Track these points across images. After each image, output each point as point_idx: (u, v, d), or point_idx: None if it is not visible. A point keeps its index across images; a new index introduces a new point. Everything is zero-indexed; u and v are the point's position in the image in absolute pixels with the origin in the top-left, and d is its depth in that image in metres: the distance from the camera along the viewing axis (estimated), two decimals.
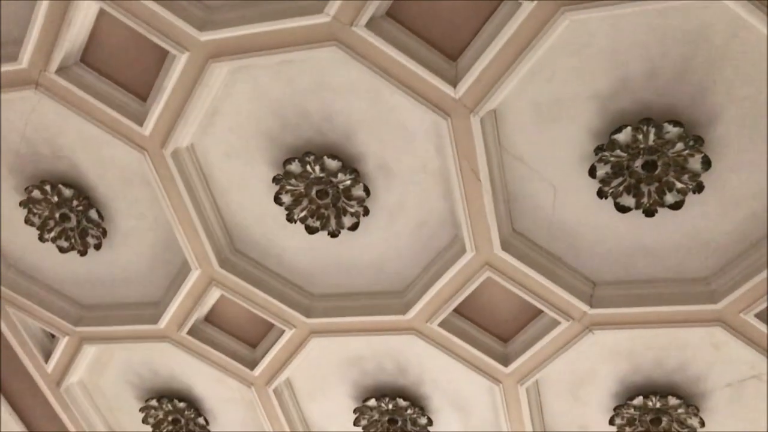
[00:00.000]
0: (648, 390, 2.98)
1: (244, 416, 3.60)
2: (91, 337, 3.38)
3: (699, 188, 2.36)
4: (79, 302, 3.31)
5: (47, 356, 3.56)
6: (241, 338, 3.30)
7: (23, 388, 3.70)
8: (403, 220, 2.72)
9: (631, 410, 3.02)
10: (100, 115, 2.60)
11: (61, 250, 3.04)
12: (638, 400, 2.98)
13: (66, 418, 3.80)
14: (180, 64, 2.39)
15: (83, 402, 3.75)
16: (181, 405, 3.59)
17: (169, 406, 3.60)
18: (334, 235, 2.75)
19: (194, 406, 3.61)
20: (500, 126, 2.39)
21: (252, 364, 3.29)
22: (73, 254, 3.09)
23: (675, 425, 3.00)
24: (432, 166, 2.54)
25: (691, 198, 2.41)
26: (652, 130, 2.26)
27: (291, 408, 3.47)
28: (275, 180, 2.64)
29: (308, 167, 2.57)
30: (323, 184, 2.62)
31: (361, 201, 2.66)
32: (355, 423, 3.39)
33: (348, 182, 2.60)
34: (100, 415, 3.84)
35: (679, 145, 2.28)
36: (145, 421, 3.69)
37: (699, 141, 2.26)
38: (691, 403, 2.96)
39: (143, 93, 2.57)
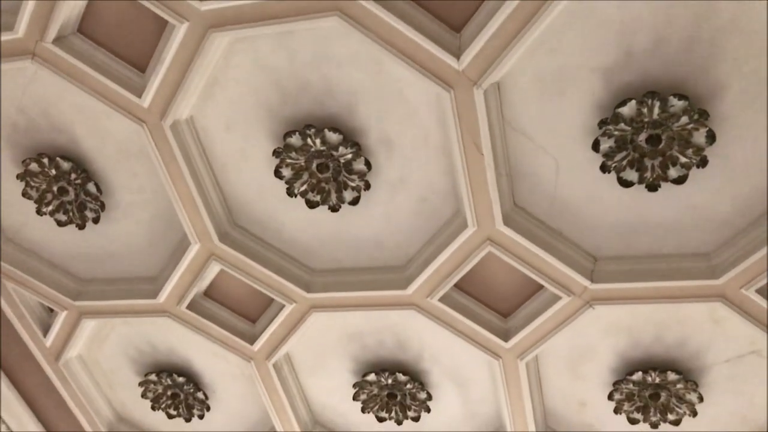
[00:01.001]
0: (647, 365, 2.98)
1: (244, 391, 3.61)
2: (90, 312, 3.36)
3: (703, 163, 2.35)
4: (78, 276, 3.30)
5: (46, 330, 3.55)
6: (240, 313, 3.29)
7: (22, 362, 3.70)
8: (404, 194, 2.70)
9: (630, 385, 3.03)
10: (98, 87, 2.57)
11: (60, 223, 3.02)
12: (637, 376, 2.99)
13: (65, 393, 3.80)
14: (179, 34, 2.36)
15: (82, 376, 3.75)
16: (181, 379, 3.60)
17: (169, 380, 3.60)
18: (334, 209, 2.73)
19: (193, 380, 3.62)
20: (503, 99, 2.37)
21: (252, 339, 3.28)
22: (72, 228, 3.08)
23: (674, 400, 3.01)
24: (434, 140, 2.52)
25: (694, 172, 2.40)
26: (657, 104, 2.24)
27: (290, 382, 3.47)
28: (275, 153, 2.62)
29: (309, 140, 2.55)
30: (324, 158, 2.60)
31: (362, 175, 2.64)
32: (355, 397, 3.40)
33: (349, 156, 2.58)
34: (99, 389, 3.84)
35: (684, 119, 2.26)
36: (144, 395, 3.69)
37: (704, 115, 2.24)
38: (690, 378, 2.97)
39: (142, 64, 2.53)
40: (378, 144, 2.57)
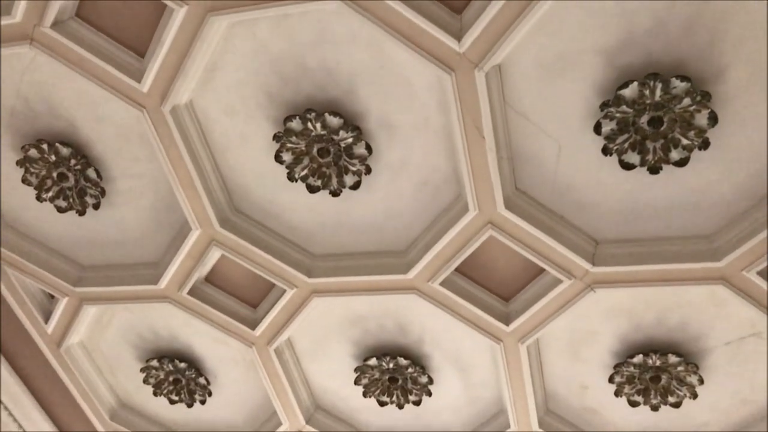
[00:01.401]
0: (648, 348, 2.99)
1: (245, 376, 3.62)
2: (91, 298, 3.36)
3: (705, 145, 2.34)
4: (79, 263, 3.30)
5: (47, 317, 3.55)
6: (242, 298, 3.29)
7: (23, 348, 3.70)
8: (405, 178, 2.69)
9: (631, 368, 3.04)
10: (97, 72, 2.56)
11: (60, 209, 3.01)
12: (638, 358, 3.00)
13: (67, 379, 3.81)
14: (178, 17, 2.34)
15: (84, 363, 3.76)
16: (182, 365, 3.60)
17: (170, 366, 3.61)
18: (335, 194, 2.73)
19: (195, 366, 3.62)
20: (505, 81, 2.36)
21: (253, 324, 3.29)
22: (72, 214, 3.07)
23: (674, 383, 3.02)
24: (435, 123, 2.51)
25: (696, 155, 2.40)
26: (659, 85, 2.23)
27: (292, 367, 3.48)
28: (276, 138, 2.61)
29: (309, 124, 2.54)
30: (324, 142, 2.59)
31: (362, 159, 2.63)
32: (356, 382, 3.41)
33: (350, 140, 2.57)
34: (100, 375, 3.85)
35: (686, 101, 2.25)
36: (146, 381, 3.70)
37: (706, 96, 2.24)
38: (690, 360, 2.98)
39: (141, 48, 2.52)
40: (379, 128, 2.56)
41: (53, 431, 3.99)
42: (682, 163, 2.39)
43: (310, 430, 3.69)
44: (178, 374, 3.64)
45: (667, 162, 2.40)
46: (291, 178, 2.70)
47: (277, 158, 2.66)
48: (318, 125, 2.54)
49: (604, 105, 2.31)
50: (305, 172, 2.68)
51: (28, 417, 3.86)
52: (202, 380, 3.65)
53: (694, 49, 2.19)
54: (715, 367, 3.01)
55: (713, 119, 2.28)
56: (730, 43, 2.16)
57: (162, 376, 3.67)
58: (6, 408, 3.73)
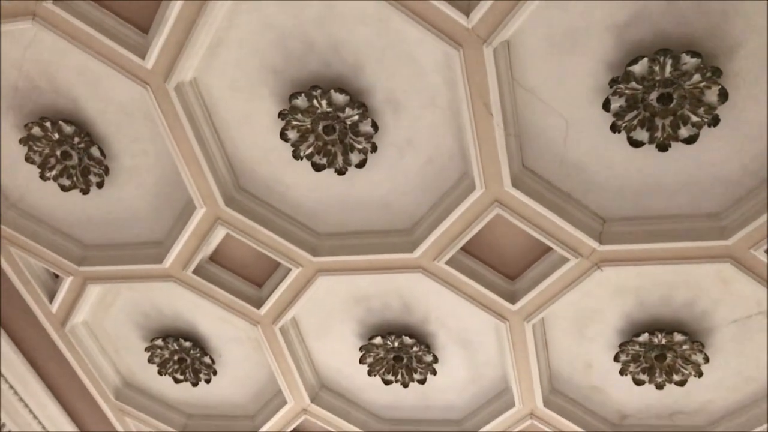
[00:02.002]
0: (654, 327, 2.99)
1: (250, 355, 3.62)
2: (95, 277, 3.36)
3: (715, 121, 2.32)
4: (83, 242, 3.28)
5: (51, 296, 3.54)
6: (246, 277, 3.28)
7: (28, 328, 3.70)
8: (411, 156, 2.68)
9: (636, 347, 3.04)
10: (100, 48, 2.52)
11: (63, 188, 2.99)
12: (644, 337, 3.00)
13: (71, 358, 3.81)
14: None
15: (88, 342, 3.76)
16: (187, 344, 3.60)
17: (175, 345, 3.61)
18: (341, 172, 2.71)
19: (200, 345, 3.62)
20: (513, 58, 2.33)
21: (258, 303, 3.28)
22: (76, 193, 3.05)
23: (679, 361, 3.03)
24: (442, 100, 2.49)
25: (705, 132, 2.38)
26: (669, 61, 2.21)
27: (297, 346, 3.48)
28: (281, 115, 2.58)
29: (315, 101, 2.51)
30: (330, 120, 2.57)
31: (368, 137, 2.61)
32: (361, 361, 3.41)
33: (355, 117, 2.55)
34: (105, 354, 3.85)
35: (696, 77, 2.23)
36: (150, 360, 3.70)
37: (717, 72, 2.21)
38: (696, 339, 2.98)
39: (144, 25, 2.48)
40: (385, 105, 2.54)
41: (59, 410, 4.00)
42: (691, 140, 2.38)
43: (315, 408, 3.70)
44: (183, 353, 3.64)
45: (676, 139, 2.38)
46: (296, 156, 2.68)
47: (283, 136, 2.64)
48: (324, 102, 2.51)
49: (613, 81, 2.29)
50: (311, 150, 2.66)
51: (33, 396, 3.88)
52: (207, 359, 3.65)
53: (706, 25, 2.16)
54: (720, 345, 3.01)
55: (723, 96, 2.26)
56: (741, 18, 2.13)
57: (167, 355, 3.67)
58: (12, 387, 3.74)
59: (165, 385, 3.94)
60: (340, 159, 2.68)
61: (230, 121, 2.70)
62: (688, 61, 2.20)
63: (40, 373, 3.90)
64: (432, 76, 2.42)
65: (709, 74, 2.21)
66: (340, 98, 2.50)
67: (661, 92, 2.28)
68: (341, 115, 2.55)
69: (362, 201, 2.86)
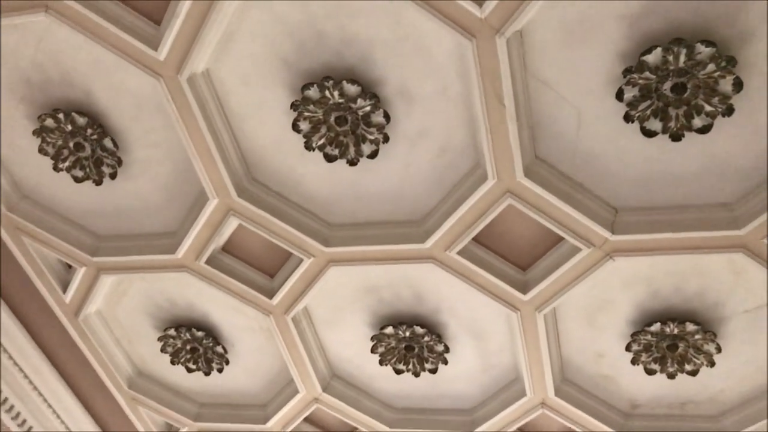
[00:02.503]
0: (666, 316, 2.99)
1: (262, 344, 3.64)
2: (108, 268, 3.38)
3: (729, 111, 2.31)
4: (96, 232, 3.30)
5: (65, 287, 3.57)
6: (259, 268, 3.30)
7: (42, 318, 3.73)
8: (423, 147, 2.68)
9: (648, 336, 3.04)
10: (113, 40, 2.53)
11: (76, 179, 3.01)
12: (655, 327, 3.00)
13: (85, 348, 3.84)
14: None
15: (101, 331, 3.79)
16: (200, 334, 3.63)
17: (188, 335, 3.64)
18: (353, 163, 2.71)
19: (212, 334, 3.65)
20: (526, 48, 2.32)
21: (270, 293, 3.30)
22: (89, 184, 3.07)
23: (691, 351, 3.03)
24: (454, 91, 2.48)
25: (719, 121, 2.37)
26: (683, 51, 2.20)
27: (309, 336, 3.50)
28: (293, 106, 2.59)
29: (327, 92, 2.51)
30: (342, 111, 2.57)
31: (380, 128, 2.61)
32: (372, 350, 3.43)
33: (367, 108, 2.55)
34: (118, 344, 3.88)
35: (711, 66, 2.22)
36: (163, 350, 3.73)
37: (732, 62, 2.20)
38: (708, 329, 2.98)
39: (157, 16, 2.49)
40: (397, 96, 2.54)
41: (72, 399, 4.03)
42: (704, 130, 2.36)
43: (327, 397, 3.72)
44: (196, 343, 3.66)
45: (690, 129, 2.37)
46: (308, 147, 2.69)
47: (295, 127, 2.65)
48: (336, 93, 2.51)
49: (626, 71, 2.28)
50: (322, 141, 2.67)
51: (47, 384, 3.91)
52: (219, 349, 3.68)
53: (720, 13, 2.15)
54: (732, 335, 3.01)
55: (738, 85, 2.25)
56: (757, 6, 2.11)
57: (179, 345, 3.69)
58: (27, 376, 3.78)
59: (178, 375, 3.97)
60: (352, 150, 2.68)
61: (242, 113, 2.71)
62: (703, 51, 2.19)
63: (53, 363, 3.93)
64: (445, 67, 2.42)
65: (723, 63, 2.20)
66: (352, 89, 2.50)
67: (675, 82, 2.27)
68: (353, 106, 2.55)
69: (374, 192, 2.86)
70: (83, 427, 4.13)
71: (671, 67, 2.24)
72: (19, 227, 3.30)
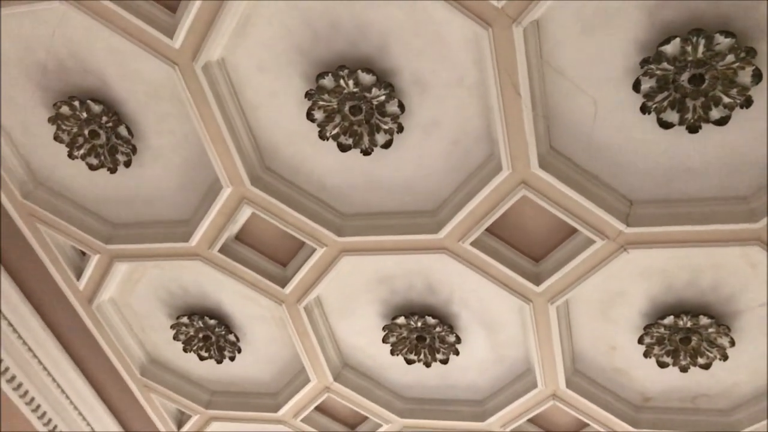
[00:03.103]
0: (679, 309, 2.97)
1: (274, 333, 3.66)
2: (122, 255, 3.39)
3: (747, 103, 2.29)
4: (110, 220, 3.32)
5: (79, 274, 3.59)
6: (272, 256, 3.31)
7: (56, 305, 3.76)
8: (437, 137, 2.67)
9: (661, 329, 3.03)
10: (128, 28, 2.53)
11: (91, 167, 3.02)
12: (669, 320, 2.99)
13: (98, 335, 3.87)
14: None
15: (115, 319, 3.81)
16: (212, 322, 3.64)
17: (200, 323, 3.65)
18: (366, 152, 2.71)
19: (225, 323, 3.66)
20: (542, 37, 2.31)
21: (283, 282, 3.31)
22: (103, 171, 3.08)
23: (705, 344, 3.01)
24: (470, 81, 2.47)
25: (737, 113, 2.34)
26: (702, 42, 2.18)
27: (321, 325, 3.50)
28: (308, 95, 2.58)
29: (342, 81, 2.51)
30: (357, 100, 2.56)
31: (395, 117, 2.60)
32: (384, 340, 3.43)
33: (382, 98, 2.54)
34: (131, 331, 3.91)
35: (730, 57, 2.19)
36: (176, 338, 3.75)
37: (751, 53, 2.18)
38: (722, 322, 2.96)
39: (172, 4, 2.49)
40: (411, 85, 2.53)
41: (86, 386, 4.07)
42: (722, 122, 2.34)
43: (338, 386, 3.74)
44: (208, 331, 3.68)
45: (707, 121, 2.35)
46: (322, 136, 2.68)
47: (309, 116, 2.64)
48: (350, 82, 2.51)
49: (644, 62, 2.26)
50: (337, 130, 2.66)
51: (61, 371, 3.94)
52: (231, 337, 3.69)
53: (740, 3, 2.12)
54: (746, 329, 2.99)
55: (757, 76, 2.23)
56: None
57: (192, 333, 3.71)
58: (41, 363, 3.81)
59: (190, 362, 3.99)
60: (366, 139, 2.67)
61: (257, 101, 2.71)
62: (722, 41, 2.17)
63: (67, 350, 3.96)
64: (460, 57, 2.41)
65: (743, 54, 2.18)
66: (366, 78, 2.50)
67: (693, 73, 2.25)
68: (368, 95, 2.54)
69: (387, 181, 2.86)
70: (97, 414, 4.16)
71: (689, 58, 2.22)
72: (35, 214, 3.32)
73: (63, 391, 4.00)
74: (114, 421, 4.26)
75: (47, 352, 3.85)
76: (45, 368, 3.86)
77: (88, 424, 4.15)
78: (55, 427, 4.00)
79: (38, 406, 3.87)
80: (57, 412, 3.99)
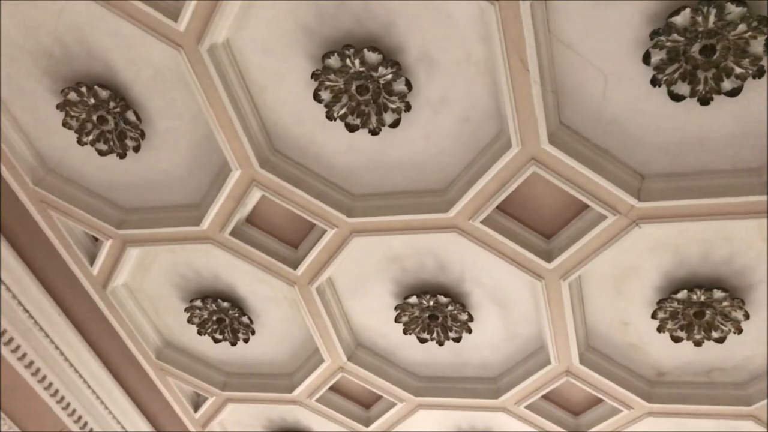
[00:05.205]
0: (692, 283, 2.96)
1: (287, 315, 3.67)
2: (134, 240, 3.41)
3: (760, 73, 2.25)
4: (121, 205, 3.33)
5: (92, 260, 3.61)
6: (283, 238, 3.31)
7: (71, 291, 3.78)
8: (446, 115, 2.65)
9: (675, 304, 3.01)
10: (132, 11, 2.52)
11: (101, 153, 3.03)
12: (682, 294, 2.97)
13: (113, 320, 3.90)
14: None
15: (129, 303, 3.84)
16: (225, 305, 3.66)
17: (214, 306, 3.67)
18: (374, 132, 2.70)
19: (238, 305, 3.68)
20: (550, 10, 2.28)
21: (294, 264, 3.31)
22: (113, 157, 3.09)
23: (719, 318, 3.00)
24: (477, 57, 2.45)
25: (749, 84, 2.31)
26: (713, 11, 2.14)
27: (333, 306, 3.52)
28: (314, 76, 2.57)
29: (348, 61, 2.49)
30: (363, 79, 2.55)
31: (402, 96, 2.58)
32: (396, 320, 3.44)
33: (389, 76, 2.52)
34: (145, 315, 3.94)
35: (741, 27, 2.16)
36: (190, 320, 3.78)
37: (764, 21, 2.14)
38: (736, 296, 2.94)
39: None
40: (418, 63, 2.51)
41: (103, 370, 4.10)
42: (734, 93, 2.31)
43: (352, 366, 3.75)
44: (222, 314, 3.70)
45: (719, 92, 2.32)
46: (330, 117, 2.67)
47: (316, 97, 2.63)
48: (357, 62, 2.49)
49: (654, 34, 2.23)
50: (344, 110, 2.65)
51: (77, 356, 3.98)
52: (245, 319, 3.71)
53: None
54: (760, 301, 2.97)
55: None
56: None
57: (206, 316, 3.74)
58: (57, 347, 3.84)
59: (204, 345, 4.02)
60: (373, 119, 2.66)
61: (263, 83, 2.69)
62: (733, 11, 2.13)
63: (84, 335, 3.99)
64: (467, 32, 2.38)
65: (755, 23, 2.14)
66: (373, 57, 2.48)
67: (704, 44, 2.22)
68: (374, 74, 2.52)
69: (396, 161, 2.84)
70: (114, 397, 4.21)
71: (700, 29, 2.18)
72: (46, 201, 3.33)
73: (80, 376, 4.04)
74: (131, 405, 4.31)
75: (64, 337, 3.88)
76: (62, 353, 3.89)
77: (106, 407, 4.19)
78: (74, 411, 4.05)
79: (57, 391, 3.92)
80: (76, 397, 4.03)
